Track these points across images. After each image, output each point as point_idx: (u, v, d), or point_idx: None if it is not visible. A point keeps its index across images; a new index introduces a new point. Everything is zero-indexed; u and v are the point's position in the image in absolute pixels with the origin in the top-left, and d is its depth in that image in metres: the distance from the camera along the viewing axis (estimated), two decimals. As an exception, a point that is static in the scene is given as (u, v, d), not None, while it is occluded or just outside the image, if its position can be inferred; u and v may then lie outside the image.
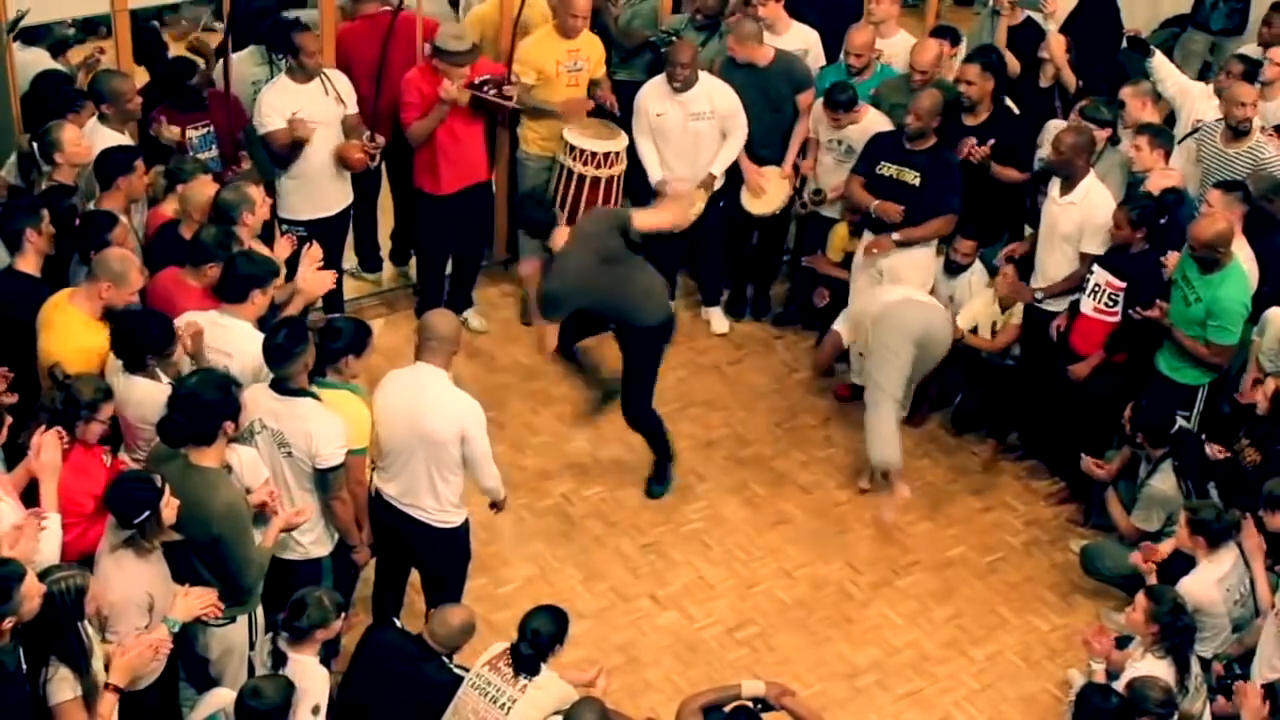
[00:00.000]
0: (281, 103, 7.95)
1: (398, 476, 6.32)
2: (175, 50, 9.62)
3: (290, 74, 8.03)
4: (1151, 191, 7.66)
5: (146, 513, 5.27)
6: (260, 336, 6.11)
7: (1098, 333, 7.68)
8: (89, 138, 7.17)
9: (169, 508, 5.33)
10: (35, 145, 7.09)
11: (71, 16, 8.97)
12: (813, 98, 8.79)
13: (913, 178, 8.17)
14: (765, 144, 8.87)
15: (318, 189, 8.20)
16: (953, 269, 8.37)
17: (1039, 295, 7.89)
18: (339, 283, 8.57)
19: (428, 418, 6.17)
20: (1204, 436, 7.23)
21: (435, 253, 8.87)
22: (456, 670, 5.93)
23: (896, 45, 9.14)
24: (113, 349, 6.11)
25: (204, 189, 6.91)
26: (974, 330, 8.26)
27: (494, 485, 6.57)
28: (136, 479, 5.40)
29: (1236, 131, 7.86)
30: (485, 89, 8.29)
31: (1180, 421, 7.27)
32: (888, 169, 8.26)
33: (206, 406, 5.59)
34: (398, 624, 6.25)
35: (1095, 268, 7.60)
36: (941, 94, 8.22)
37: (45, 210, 6.53)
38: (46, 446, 5.59)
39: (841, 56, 8.83)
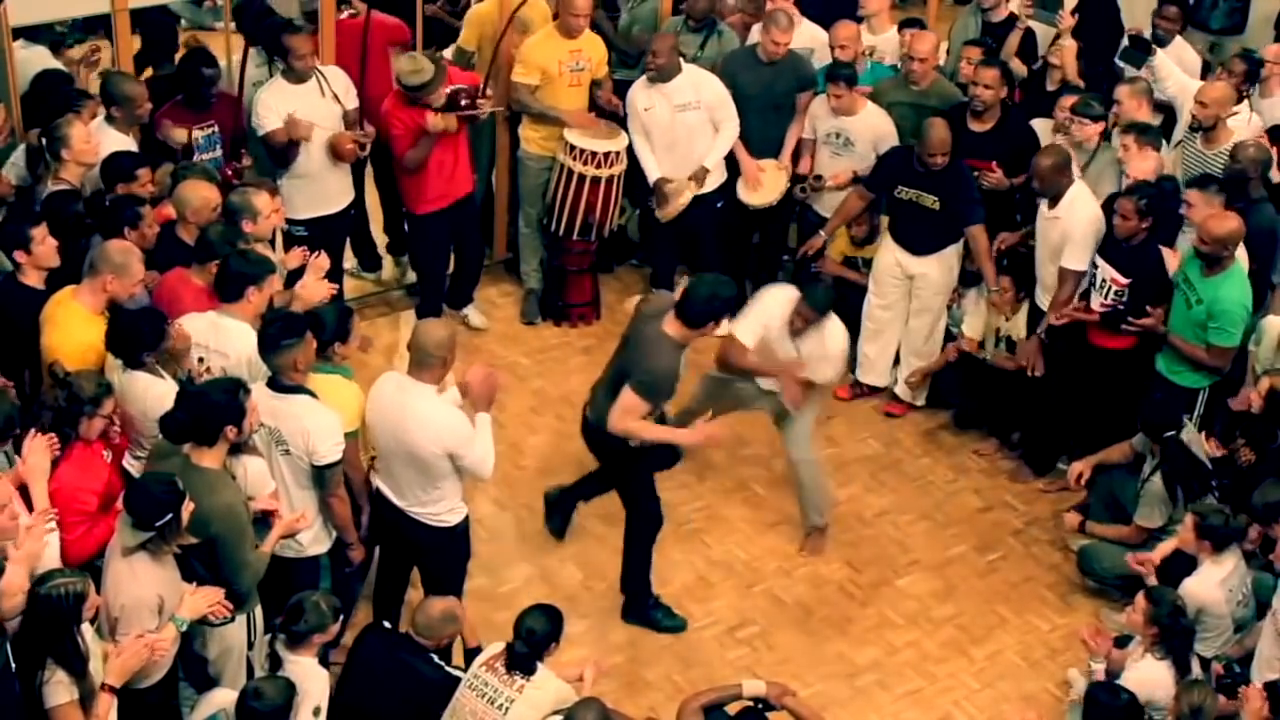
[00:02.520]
0: (277, 103, 7.94)
1: (390, 477, 6.33)
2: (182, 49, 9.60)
3: (285, 75, 8.03)
4: (1149, 179, 7.67)
5: (169, 515, 5.23)
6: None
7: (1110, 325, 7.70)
8: (94, 137, 7.17)
9: (186, 510, 5.31)
10: (44, 140, 7.08)
11: (71, 17, 8.95)
12: (811, 97, 8.79)
13: (931, 202, 8.16)
14: (765, 144, 8.84)
15: (319, 187, 8.19)
16: (968, 279, 8.39)
17: (1042, 334, 7.90)
18: (339, 282, 8.56)
19: (411, 434, 6.12)
20: (1205, 434, 7.22)
21: (433, 267, 8.85)
22: (452, 671, 5.93)
23: (890, 41, 9.13)
24: (107, 346, 6.11)
25: (197, 190, 6.88)
26: (983, 343, 8.30)
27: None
28: (158, 480, 5.35)
29: (1204, 130, 7.90)
30: (460, 99, 8.19)
31: (1186, 423, 7.26)
32: (906, 193, 8.23)
33: (211, 408, 5.59)
34: (386, 626, 6.26)
35: (1100, 263, 7.60)
36: (946, 121, 8.14)
37: (45, 223, 6.48)
38: (34, 451, 5.57)
39: (829, 54, 8.81)
